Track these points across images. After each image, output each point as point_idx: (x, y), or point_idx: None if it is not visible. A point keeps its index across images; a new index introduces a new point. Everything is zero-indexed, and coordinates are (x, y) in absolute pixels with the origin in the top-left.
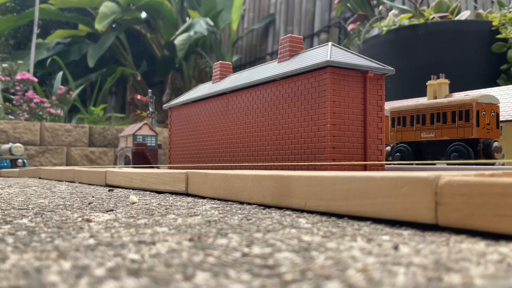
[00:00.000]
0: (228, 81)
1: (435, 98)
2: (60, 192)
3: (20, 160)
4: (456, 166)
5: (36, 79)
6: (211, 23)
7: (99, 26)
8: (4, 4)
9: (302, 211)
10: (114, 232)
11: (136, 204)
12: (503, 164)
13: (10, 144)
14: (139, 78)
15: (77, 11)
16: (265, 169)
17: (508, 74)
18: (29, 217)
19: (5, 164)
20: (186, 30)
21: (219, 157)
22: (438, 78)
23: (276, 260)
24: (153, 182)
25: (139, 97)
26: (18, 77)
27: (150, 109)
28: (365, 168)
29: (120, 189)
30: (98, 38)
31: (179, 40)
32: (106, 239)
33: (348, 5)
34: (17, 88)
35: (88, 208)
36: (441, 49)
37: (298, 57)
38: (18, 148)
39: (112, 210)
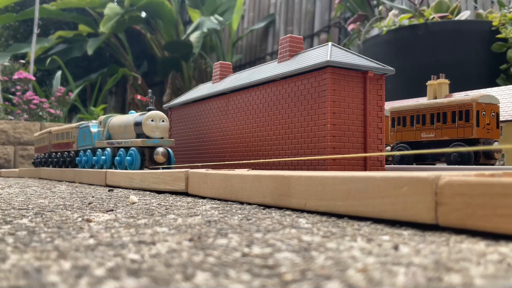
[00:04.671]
0: (228, 81)
1: (435, 98)
2: (60, 192)
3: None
4: (456, 166)
5: (34, 78)
6: (220, 18)
7: (104, 28)
8: (5, 6)
9: (302, 211)
10: (114, 232)
11: (136, 204)
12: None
13: (132, 113)
14: (139, 81)
15: (77, 11)
16: (265, 168)
17: (508, 74)
18: (29, 217)
19: (129, 158)
20: (196, 29)
21: (219, 157)
22: (438, 78)
23: (276, 260)
24: (153, 182)
25: (139, 97)
26: (16, 76)
27: None
28: (365, 167)
29: (120, 189)
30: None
31: (194, 37)
32: (106, 239)
33: (348, 5)
34: (17, 87)
35: (88, 208)
36: (441, 49)
37: (298, 57)
38: (159, 121)
39: (112, 210)
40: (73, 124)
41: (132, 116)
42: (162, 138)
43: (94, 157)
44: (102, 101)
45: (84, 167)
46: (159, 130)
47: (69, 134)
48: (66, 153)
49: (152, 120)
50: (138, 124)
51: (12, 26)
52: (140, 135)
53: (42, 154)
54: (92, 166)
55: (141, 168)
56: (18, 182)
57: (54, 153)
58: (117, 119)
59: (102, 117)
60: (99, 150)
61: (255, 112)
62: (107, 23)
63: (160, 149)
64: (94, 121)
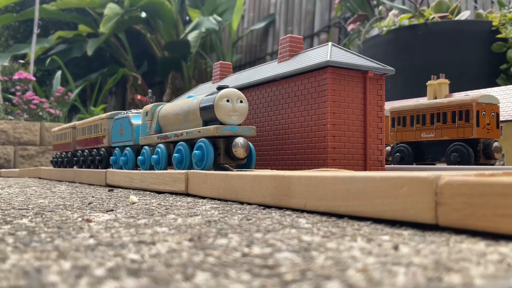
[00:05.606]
0: (228, 81)
1: (435, 98)
2: (60, 192)
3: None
4: (456, 166)
5: (34, 78)
6: (219, 18)
7: (104, 28)
8: (5, 6)
9: (302, 211)
10: (114, 232)
11: (136, 204)
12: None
13: (193, 97)
14: (139, 81)
15: (77, 11)
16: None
17: (508, 74)
18: (29, 217)
19: (198, 153)
20: (194, 28)
21: None
22: (438, 78)
23: (276, 260)
24: (153, 182)
25: (139, 97)
26: (16, 76)
27: None
28: (365, 167)
29: (120, 189)
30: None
31: (191, 37)
32: (106, 239)
33: (348, 5)
34: (17, 87)
35: (88, 208)
36: (441, 49)
37: (298, 57)
38: (236, 102)
39: (112, 210)
40: (103, 115)
41: (195, 99)
42: (240, 125)
43: (140, 157)
44: (102, 101)
45: (121, 169)
46: (237, 114)
47: (98, 127)
48: (95, 150)
49: (227, 101)
50: (207, 108)
51: (12, 26)
52: (209, 122)
53: (64, 153)
54: (135, 167)
55: (214, 167)
56: (18, 182)
57: (80, 151)
58: (171, 106)
59: (148, 107)
60: (146, 148)
61: (255, 112)
62: (107, 23)
63: (240, 140)
64: (134, 110)
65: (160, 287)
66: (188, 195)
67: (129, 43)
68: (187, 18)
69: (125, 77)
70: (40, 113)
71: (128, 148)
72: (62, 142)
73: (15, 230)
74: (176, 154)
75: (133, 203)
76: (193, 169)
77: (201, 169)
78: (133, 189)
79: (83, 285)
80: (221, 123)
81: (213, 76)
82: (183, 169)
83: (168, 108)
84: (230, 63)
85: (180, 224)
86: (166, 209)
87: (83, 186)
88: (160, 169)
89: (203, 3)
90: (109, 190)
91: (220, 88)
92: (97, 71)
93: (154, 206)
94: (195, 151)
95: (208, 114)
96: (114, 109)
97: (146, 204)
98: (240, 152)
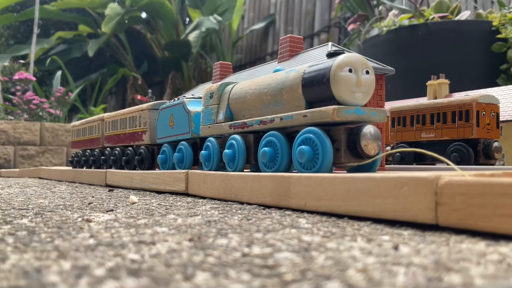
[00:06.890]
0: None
1: (435, 98)
2: (60, 192)
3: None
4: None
5: (34, 78)
6: (219, 18)
7: (105, 28)
8: (6, 6)
9: (302, 211)
10: (114, 232)
11: (136, 204)
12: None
13: (280, 70)
14: (139, 81)
15: (77, 12)
16: None
17: (508, 74)
18: (29, 217)
19: (305, 148)
20: (195, 28)
21: None
22: (438, 78)
23: (276, 260)
24: (153, 182)
25: (139, 97)
26: (16, 77)
27: None
28: None
29: (120, 189)
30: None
31: (192, 37)
32: (106, 239)
33: (348, 5)
34: (17, 87)
35: (88, 208)
36: (441, 49)
37: (298, 57)
38: (361, 72)
39: (112, 210)
40: (144, 105)
41: (291, 71)
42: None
43: (204, 151)
44: (102, 101)
45: (173, 169)
46: (362, 91)
47: (135, 120)
48: (130, 149)
49: (350, 70)
50: (318, 81)
51: (13, 26)
52: (314, 103)
53: (89, 151)
54: (194, 166)
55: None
56: (18, 182)
57: (109, 149)
58: (250, 84)
59: (213, 86)
60: (211, 139)
61: None
62: (109, 23)
63: (370, 129)
64: (187, 95)
65: (160, 287)
66: (188, 195)
67: (129, 43)
68: (187, 18)
69: (125, 77)
70: (40, 113)
71: (183, 142)
72: (86, 138)
73: (15, 230)
74: (266, 149)
75: (133, 203)
76: (294, 171)
77: (314, 172)
78: (133, 189)
79: (83, 285)
80: (338, 104)
81: (213, 76)
82: (276, 170)
83: (245, 86)
84: (230, 63)
85: (180, 224)
86: (166, 209)
87: (83, 186)
88: (236, 170)
89: (203, 3)
90: (109, 190)
91: (333, 54)
92: (97, 71)
93: (154, 206)
94: (301, 147)
95: (318, 90)
96: (114, 109)
97: (146, 204)
98: (371, 147)
